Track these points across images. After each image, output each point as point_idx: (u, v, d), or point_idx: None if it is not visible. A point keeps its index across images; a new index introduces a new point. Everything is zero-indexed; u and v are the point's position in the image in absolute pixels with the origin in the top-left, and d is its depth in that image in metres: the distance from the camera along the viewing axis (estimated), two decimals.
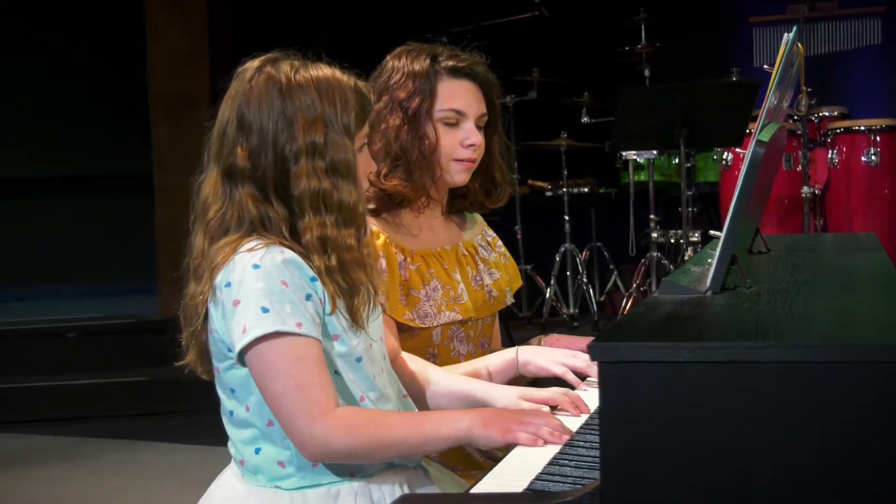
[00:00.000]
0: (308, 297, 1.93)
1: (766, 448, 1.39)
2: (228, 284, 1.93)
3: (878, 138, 6.44)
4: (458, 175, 2.54)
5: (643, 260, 6.72)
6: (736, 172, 6.64)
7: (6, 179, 8.68)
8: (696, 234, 6.50)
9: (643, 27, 7.19)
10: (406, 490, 2.02)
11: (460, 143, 2.51)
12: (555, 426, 1.95)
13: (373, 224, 2.48)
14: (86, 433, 5.75)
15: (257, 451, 2.00)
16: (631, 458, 1.43)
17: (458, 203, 2.68)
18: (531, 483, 1.73)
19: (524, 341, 2.70)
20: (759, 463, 1.39)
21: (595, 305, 7.28)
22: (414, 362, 2.37)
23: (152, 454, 5.40)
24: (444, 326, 2.52)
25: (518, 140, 7.36)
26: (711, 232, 2.94)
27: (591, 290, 7.35)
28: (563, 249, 7.44)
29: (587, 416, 2.15)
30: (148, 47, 6.89)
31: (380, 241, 2.46)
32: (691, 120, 5.67)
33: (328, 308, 1.96)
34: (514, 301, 2.76)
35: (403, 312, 2.45)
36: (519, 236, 7.54)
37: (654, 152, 6.67)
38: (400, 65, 2.55)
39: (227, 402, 2.03)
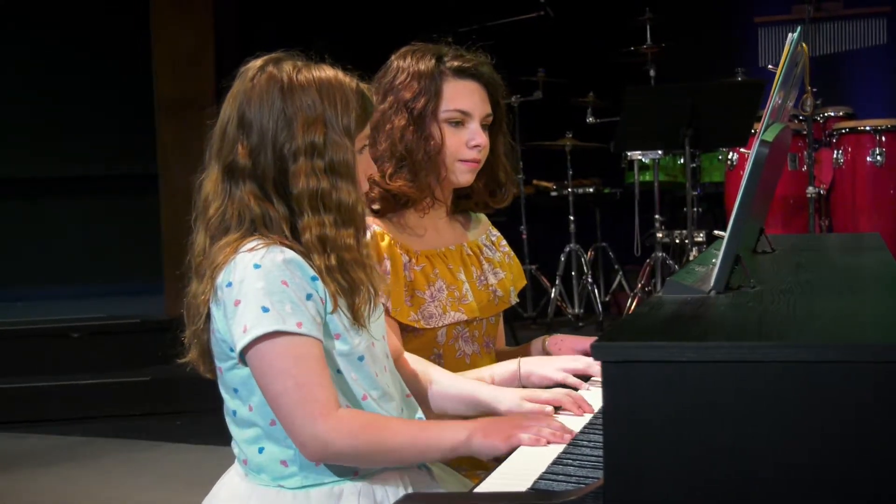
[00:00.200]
0: (309, 296, 1.93)
1: (768, 448, 1.39)
2: (230, 284, 1.93)
3: (883, 138, 6.44)
4: (463, 175, 2.54)
5: (648, 260, 6.71)
6: (741, 172, 6.63)
7: (11, 179, 8.68)
8: (701, 235, 6.50)
9: (648, 27, 7.19)
10: (410, 490, 2.02)
11: (465, 144, 2.51)
12: (555, 427, 1.96)
13: (377, 225, 2.48)
14: (90, 433, 5.75)
15: (260, 450, 2.01)
16: (633, 458, 1.43)
17: (463, 203, 2.68)
18: (535, 482, 1.74)
19: (528, 341, 2.70)
20: (761, 462, 1.39)
21: (600, 306, 7.29)
22: (416, 363, 2.37)
23: (157, 454, 5.40)
24: (449, 327, 2.52)
25: (523, 140, 7.37)
26: (716, 232, 2.94)
27: (596, 291, 7.36)
28: (568, 249, 7.44)
29: (591, 415, 2.16)
30: (153, 47, 6.90)
31: (384, 243, 2.46)
32: (696, 120, 5.67)
33: (329, 307, 1.96)
34: (518, 301, 2.76)
35: (408, 313, 2.45)
36: (524, 236, 7.55)
37: (660, 152, 6.68)
38: (405, 65, 2.54)
39: (230, 402, 2.04)
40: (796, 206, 6.52)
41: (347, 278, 1.97)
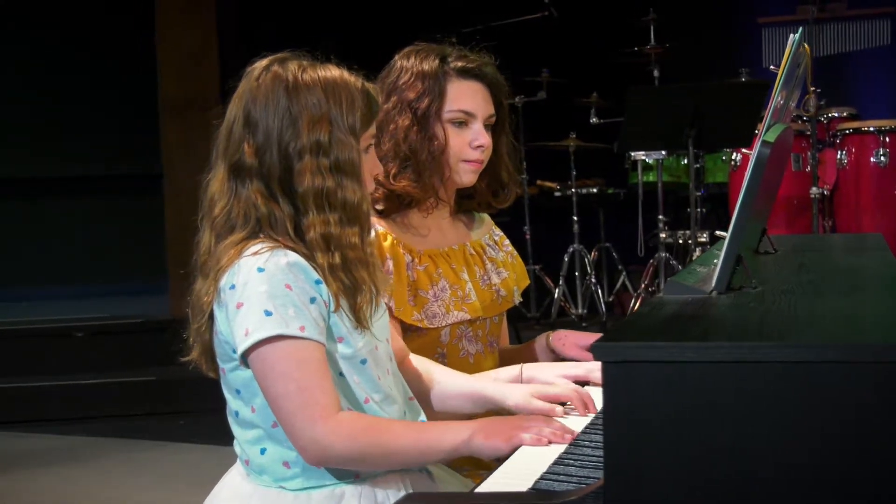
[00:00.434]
0: (312, 300, 1.93)
1: (768, 448, 1.39)
2: (233, 287, 1.93)
3: (887, 139, 6.44)
4: (467, 175, 2.54)
5: (652, 260, 6.72)
6: (744, 173, 6.62)
7: (11, 179, 8.68)
8: (705, 235, 6.50)
9: (652, 28, 7.19)
10: (411, 491, 2.02)
11: (469, 144, 2.51)
12: (556, 427, 1.96)
13: (381, 225, 2.48)
14: (93, 433, 5.75)
15: (262, 451, 2.01)
16: (634, 458, 1.43)
17: (466, 203, 2.68)
18: (536, 482, 1.74)
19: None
20: (761, 463, 1.39)
21: (603, 306, 7.28)
22: (420, 363, 2.37)
23: (159, 454, 5.40)
24: (452, 326, 2.52)
25: (527, 140, 7.37)
26: (718, 232, 2.94)
27: (599, 291, 7.35)
28: (571, 250, 7.44)
29: (593, 416, 2.16)
30: (157, 47, 6.90)
31: (387, 243, 2.46)
32: (700, 120, 5.66)
33: (332, 306, 1.96)
34: (521, 300, 2.76)
35: (412, 313, 2.45)
36: (528, 237, 7.55)
37: (663, 153, 6.68)
38: (409, 65, 2.54)
39: (232, 403, 2.04)
40: (800, 206, 6.51)
41: (350, 277, 1.97)
